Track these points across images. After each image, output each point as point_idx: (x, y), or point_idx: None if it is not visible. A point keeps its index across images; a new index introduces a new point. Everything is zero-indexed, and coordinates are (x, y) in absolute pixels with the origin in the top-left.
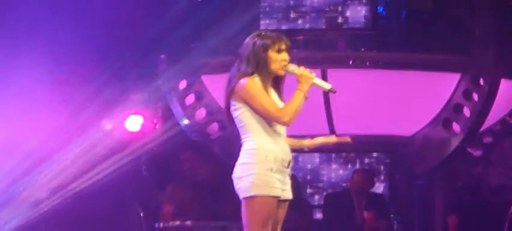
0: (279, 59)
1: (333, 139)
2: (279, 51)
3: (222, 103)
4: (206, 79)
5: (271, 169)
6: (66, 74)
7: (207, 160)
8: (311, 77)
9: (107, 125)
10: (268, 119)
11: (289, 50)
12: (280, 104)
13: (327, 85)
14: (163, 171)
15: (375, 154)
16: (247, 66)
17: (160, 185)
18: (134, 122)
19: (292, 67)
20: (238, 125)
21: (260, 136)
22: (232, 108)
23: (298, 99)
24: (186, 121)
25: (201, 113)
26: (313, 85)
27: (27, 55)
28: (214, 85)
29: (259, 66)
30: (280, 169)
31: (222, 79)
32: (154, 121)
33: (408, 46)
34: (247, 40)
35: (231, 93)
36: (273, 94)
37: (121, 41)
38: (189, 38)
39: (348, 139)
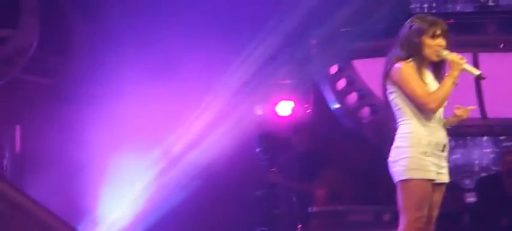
0: (433, 44)
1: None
2: (434, 36)
3: (373, 87)
4: (357, 63)
5: (425, 153)
6: (219, 60)
7: (358, 145)
8: (461, 63)
9: (258, 110)
10: (416, 105)
11: (445, 35)
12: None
13: (476, 71)
14: (315, 155)
15: None
16: (402, 51)
17: (312, 170)
18: (285, 108)
19: (445, 53)
20: (394, 109)
21: (415, 119)
22: (388, 91)
23: (446, 86)
24: (337, 106)
25: (352, 97)
26: (463, 70)
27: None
28: (366, 69)
29: (412, 51)
30: (434, 152)
31: (373, 63)
32: (305, 106)
33: None
34: (406, 23)
35: (386, 76)
36: (430, 78)
37: (272, 27)
38: (340, 22)
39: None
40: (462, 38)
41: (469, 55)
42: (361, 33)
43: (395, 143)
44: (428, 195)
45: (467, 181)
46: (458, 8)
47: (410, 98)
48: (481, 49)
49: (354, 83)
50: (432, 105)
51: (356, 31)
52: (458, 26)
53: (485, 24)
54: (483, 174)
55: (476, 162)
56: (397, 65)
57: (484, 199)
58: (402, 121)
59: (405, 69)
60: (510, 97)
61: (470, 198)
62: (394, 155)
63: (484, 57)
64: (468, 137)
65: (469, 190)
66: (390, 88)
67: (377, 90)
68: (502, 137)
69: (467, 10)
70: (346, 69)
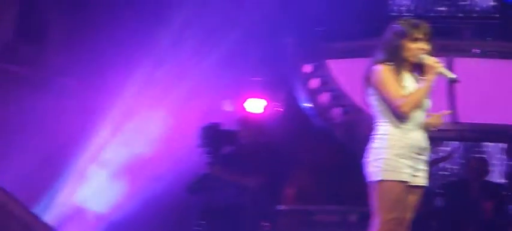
0: (413, 48)
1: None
2: (415, 39)
3: (346, 88)
4: (331, 63)
5: (400, 155)
6: (188, 55)
7: (329, 145)
8: (437, 67)
9: (228, 106)
10: (390, 107)
11: (429, 39)
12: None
13: (451, 75)
14: (284, 155)
15: (494, 144)
16: (382, 53)
17: (281, 169)
18: (257, 105)
19: (421, 57)
20: (373, 110)
21: (393, 121)
22: (367, 93)
23: (421, 89)
24: (309, 105)
25: (324, 97)
26: (439, 74)
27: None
28: (340, 69)
29: (392, 54)
30: (410, 155)
31: (347, 63)
32: (277, 104)
33: None
34: (389, 26)
35: (365, 78)
36: (411, 81)
37: (245, 25)
38: (315, 22)
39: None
40: (437, 42)
41: (444, 60)
42: (337, 33)
43: (371, 144)
44: (401, 197)
45: (435, 185)
46: (434, 12)
47: (385, 101)
48: (455, 54)
49: (327, 83)
50: (405, 108)
51: (331, 31)
52: (435, 30)
53: (461, 29)
54: (451, 178)
55: (445, 166)
56: (376, 67)
57: (452, 203)
58: (380, 122)
59: (382, 71)
60: (482, 103)
61: (439, 202)
62: (369, 156)
63: (458, 61)
64: (438, 141)
65: (437, 194)
66: (370, 91)
67: (350, 91)
68: (470, 142)
69: (443, 14)
70: (320, 69)
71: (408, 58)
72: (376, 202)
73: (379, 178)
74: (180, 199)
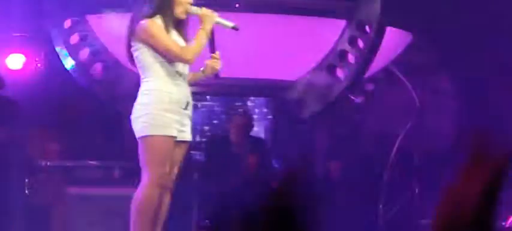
0: (183, 2)
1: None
2: None
3: (107, 43)
4: (91, 18)
5: (167, 110)
6: None
7: (89, 101)
8: (213, 16)
9: None
10: (169, 59)
11: None
12: (183, 45)
13: (229, 24)
14: (45, 111)
15: (256, 98)
16: (150, 8)
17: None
18: (16, 61)
19: (194, 9)
20: (138, 66)
21: (158, 76)
22: (132, 48)
23: (200, 38)
24: (70, 61)
25: (84, 53)
26: (216, 24)
27: None
28: (99, 24)
29: (163, 8)
30: (177, 109)
31: (107, 19)
32: (37, 60)
33: None
34: None
35: (131, 33)
36: (175, 36)
37: None
38: None
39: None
40: None
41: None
42: None
43: (138, 100)
44: (169, 152)
45: (197, 140)
46: None
47: (162, 53)
48: (215, 8)
49: (87, 38)
50: (188, 56)
51: None
52: None
53: None
54: (213, 133)
55: (207, 121)
56: (144, 22)
57: (214, 158)
58: (145, 78)
59: (153, 25)
60: (242, 58)
61: (201, 157)
62: (135, 112)
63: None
64: (200, 96)
65: (200, 149)
66: (136, 46)
67: (111, 46)
68: (231, 98)
69: None
70: (79, 24)
71: (177, 13)
72: (145, 157)
73: (148, 134)
74: None
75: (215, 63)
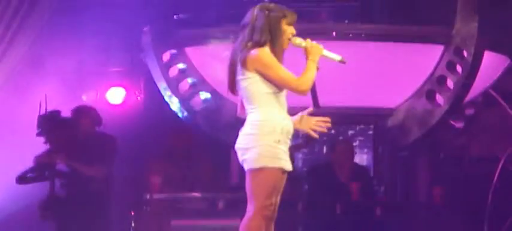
0: (288, 32)
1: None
2: (289, 24)
3: (206, 75)
4: (189, 51)
5: (279, 141)
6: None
7: (190, 133)
8: (320, 49)
9: (84, 97)
10: (283, 89)
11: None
12: None
13: (336, 57)
14: (147, 143)
15: (358, 126)
16: (261, 37)
17: (145, 158)
18: (116, 95)
19: (299, 40)
20: (244, 96)
21: (268, 107)
22: (240, 77)
23: (312, 69)
24: (169, 94)
25: (184, 85)
26: (323, 57)
27: None
28: (198, 56)
29: (274, 37)
30: (285, 140)
31: (205, 50)
32: (136, 93)
33: (391, 18)
34: (256, 11)
35: (242, 62)
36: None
37: (103, 14)
38: (172, 9)
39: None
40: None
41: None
42: (194, 21)
43: (246, 131)
44: (279, 183)
45: (301, 169)
46: None
47: (276, 83)
48: (314, 37)
49: (186, 70)
50: (303, 87)
51: (189, 18)
52: None
53: (317, 12)
54: (316, 162)
55: (307, 150)
56: (255, 51)
57: (318, 187)
58: (253, 108)
59: (266, 54)
60: (342, 86)
61: (304, 186)
62: (245, 143)
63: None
64: None
65: (303, 178)
66: (245, 75)
67: (209, 78)
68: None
69: None
70: (178, 56)
71: (284, 42)
72: (253, 189)
73: (258, 165)
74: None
75: (316, 127)
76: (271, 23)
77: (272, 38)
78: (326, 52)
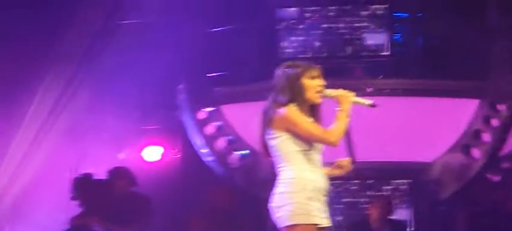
0: (313, 86)
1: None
2: (312, 78)
3: (241, 132)
4: (225, 108)
5: (310, 198)
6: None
7: (227, 190)
8: (350, 96)
9: (122, 155)
10: (313, 143)
11: (321, 76)
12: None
13: (367, 102)
14: (185, 201)
15: (395, 181)
16: (283, 96)
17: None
18: (153, 153)
19: (329, 91)
20: (274, 154)
21: (298, 164)
22: (269, 137)
23: (342, 119)
24: (206, 151)
25: (221, 143)
26: (354, 103)
27: None
28: (234, 114)
29: (295, 94)
30: (318, 197)
31: (241, 108)
32: (173, 152)
33: (426, 73)
34: (278, 71)
35: (269, 123)
36: (310, 120)
37: (139, 73)
38: (207, 67)
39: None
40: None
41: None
42: (229, 78)
43: (279, 189)
44: None
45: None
46: (325, 53)
47: (305, 138)
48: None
49: (222, 128)
50: (332, 139)
51: (224, 76)
52: (325, 70)
53: (352, 68)
54: (355, 218)
55: (343, 206)
56: (282, 110)
57: None
58: (284, 166)
59: (292, 111)
60: (378, 141)
61: None
62: (277, 201)
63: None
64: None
65: None
66: (274, 134)
67: (245, 135)
68: (370, 182)
69: (334, 55)
70: (214, 114)
71: (311, 97)
72: None
73: (292, 222)
74: None
75: (347, 168)
76: (291, 81)
77: (294, 95)
78: (356, 98)
